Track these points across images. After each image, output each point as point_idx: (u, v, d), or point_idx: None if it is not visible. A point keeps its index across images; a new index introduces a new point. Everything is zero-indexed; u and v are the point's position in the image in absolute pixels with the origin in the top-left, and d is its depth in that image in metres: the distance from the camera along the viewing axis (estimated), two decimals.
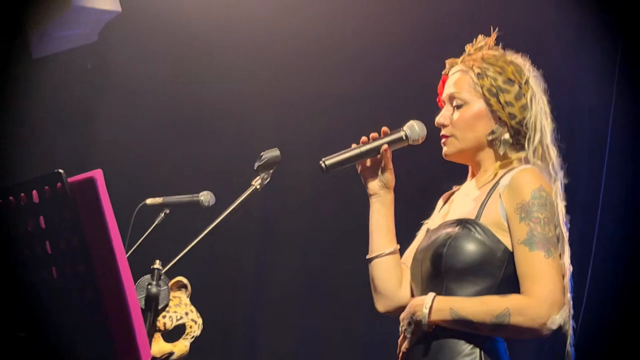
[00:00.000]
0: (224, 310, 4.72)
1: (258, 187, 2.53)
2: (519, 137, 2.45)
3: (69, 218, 1.75)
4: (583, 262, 4.37)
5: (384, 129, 2.51)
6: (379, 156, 2.50)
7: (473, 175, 2.53)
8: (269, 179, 2.55)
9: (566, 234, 2.34)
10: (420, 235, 2.60)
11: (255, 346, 4.78)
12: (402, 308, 2.46)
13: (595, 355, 3.86)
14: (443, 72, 2.57)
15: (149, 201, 3.25)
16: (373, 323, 4.39)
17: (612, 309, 4.37)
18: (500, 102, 2.43)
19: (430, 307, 2.30)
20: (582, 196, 4.40)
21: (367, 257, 2.55)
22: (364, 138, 2.51)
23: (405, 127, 2.51)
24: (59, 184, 1.74)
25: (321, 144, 4.40)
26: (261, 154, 2.59)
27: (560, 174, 2.42)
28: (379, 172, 2.52)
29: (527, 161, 2.44)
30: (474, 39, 2.54)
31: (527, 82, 2.45)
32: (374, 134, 2.50)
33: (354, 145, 2.50)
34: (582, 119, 4.46)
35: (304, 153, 4.42)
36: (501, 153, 2.45)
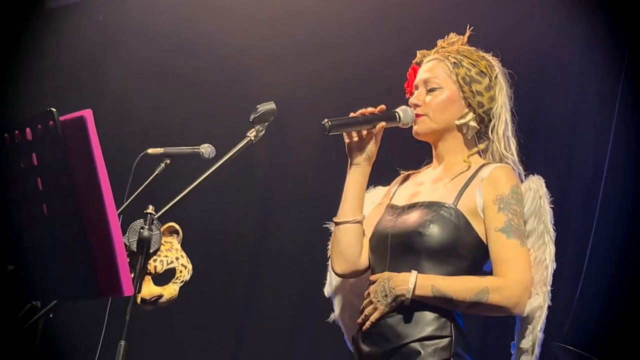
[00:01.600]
0: (222, 260, 4.78)
1: (253, 138, 2.65)
2: (482, 125, 2.68)
3: (60, 156, 1.80)
4: (579, 257, 4.44)
5: (382, 106, 2.67)
6: (373, 130, 2.65)
7: (438, 161, 2.73)
8: (264, 131, 2.66)
9: (553, 234, 2.56)
10: (377, 210, 2.76)
11: (252, 298, 4.84)
12: (357, 272, 2.70)
13: (588, 348, 3.92)
14: (414, 62, 2.79)
15: (150, 151, 3.28)
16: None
17: (605, 305, 4.43)
18: (472, 91, 2.66)
19: (414, 284, 2.47)
20: (581, 195, 4.46)
21: (336, 220, 2.71)
22: (362, 110, 2.66)
23: (399, 110, 2.68)
24: (51, 122, 1.79)
25: (323, 99, 4.45)
26: (257, 106, 2.65)
27: (521, 169, 2.66)
28: (366, 146, 2.67)
29: (492, 154, 2.67)
30: (446, 35, 2.79)
31: (496, 77, 2.69)
32: (371, 109, 2.66)
33: (352, 114, 2.65)
34: (585, 123, 4.50)
35: (307, 108, 4.47)
36: (469, 137, 2.67)
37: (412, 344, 2.47)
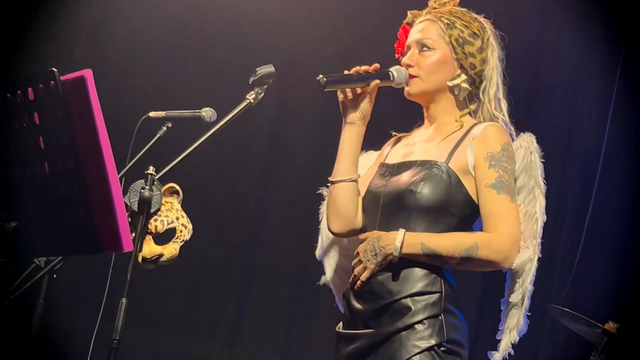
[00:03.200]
0: (223, 221, 4.83)
1: (252, 101, 2.68)
2: (473, 86, 2.70)
3: (61, 115, 1.84)
4: (579, 219, 4.48)
5: (376, 65, 2.69)
6: (367, 88, 2.68)
7: (430, 121, 2.75)
8: (262, 94, 2.69)
9: (544, 188, 2.59)
10: (371, 170, 2.79)
11: (252, 256, 4.89)
12: (354, 231, 2.72)
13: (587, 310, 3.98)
14: (405, 22, 2.81)
15: (152, 114, 3.29)
16: None
17: (605, 268, 4.48)
18: (464, 52, 2.68)
19: (402, 242, 2.49)
20: (581, 167, 4.49)
21: (331, 179, 2.74)
22: (357, 68, 2.68)
23: (393, 69, 2.70)
24: (52, 81, 1.83)
25: (324, 62, 4.46)
26: (256, 69, 2.68)
27: (512, 128, 2.68)
28: (360, 104, 2.70)
29: (482, 115, 2.69)
30: None
31: (488, 39, 2.71)
32: (366, 67, 2.68)
33: (347, 72, 2.67)
34: (581, 118, 4.54)
35: (308, 71, 4.48)
36: (461, 98, 2.70)
37: (403, 300, 2.51)
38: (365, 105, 2.70)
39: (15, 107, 1.91)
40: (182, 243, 2.67)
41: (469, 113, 2.72)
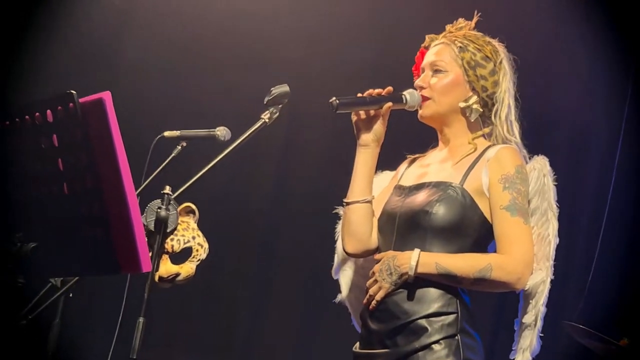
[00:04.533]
0: (237, 239, 4.84)
1: (267, 120, 2.70)
2: (486, 109, 2.74)
3: (79, 137, 1.86)
4: (592, 237, 4.47)
5: (389, 88, 2.73)
6: (380, 110, 2.71)
7: (444, 143, 2.79)
8: (277, 114, 2.70)
9: (557, 210, 2.62)
10: (386, 190, 2.82)
11: (266, 274, 4.89)
12: (369, 252, 2.76)
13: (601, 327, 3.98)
14: (422, 45, 2.85)
15: (166, 134, 3.31)
16: None
17: (618, 285, 4.47)
18: (476, 75, 2.72)
19: (417, 261, 2.52)
20: (593, 188, 4.49)
21: (346, 200, 2.77)
22: (370, 91, 2.72)
23: (406, 92, 2.74)
24: (71, 104, 1.84)
25: (337, 83, 4.47)
26: (271, 89, 2.70)
27: (524, 151, 2.71)
28: (374, 126, 2.73)
29: (496, 137, 2.72)
30: (454, 21, 2.84)
31: (501, 62, 2.75)
32: (379, 90, 2.72)
33: (359, 95, 2.71)
34: (591, 138, 4.55)
35: (322, 91, 4.50)
36: (472, 120, 2.73)
37: (419, 321, 2.53)
38: (379, 128, 2.73)
39: (34, 129, 1.92)
40: (198, 262, 2.68)
41: (483, 135, 2.75)
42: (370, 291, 2.61)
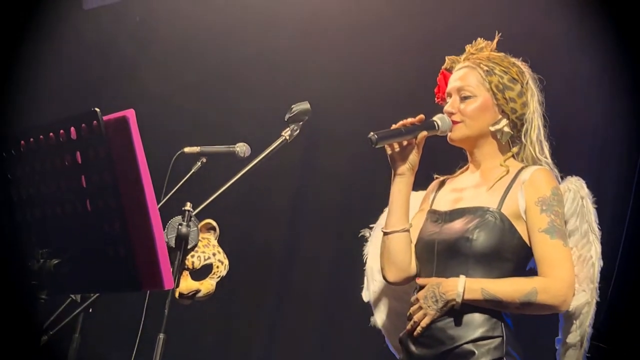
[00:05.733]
0: (257, 257, 4.84)
1: (288, 137, 2.72)
2: (515, 130, 2.74)
3: (103, 154, 1.86)
4: (611, 258, 4.42)
5: (421, 116, 2.73)
6: (414, 140, 2.72)
7: (475, 166, 2.79)
8: (298, 131, 2.71)
9: (599, 233, 2.61)
10: (420, 216, 2.82)
11: (284, 293, 4.88)
12: (409, 279, 2.75)
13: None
14: (443, 67, 2.86)
15: (187, 150, 3.34)
16: None
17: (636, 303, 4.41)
18: (505, 98, 2.72)
19: (464, 288, 2.54)
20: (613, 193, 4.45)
21: (384, 230, 2.77)
22: (404, 121, 2.72)
23: (437, 118, 2.75)
24: (94, 121, 1.85)
25: (356, 100, 4.48)
26: (292, 106, 2.72)
27: (556, 171, 2.71)
28: (408, 155, 2.73)
29: (525, 157, 2.72)
30: (474, 41, 2.84)
31: (527, 82, 2.75)
32: (411, 119, 2.72)
33: (394, 126, 2.71)
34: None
35: (341, 109, 4.51)
36: (503, 142, 2.74)
37: (466, 345, 2.54)
38: (413, 157, 2.73)
39: (58, 146, 1.93)
40: (218, 279, 2.69)
41: (513, 156, 2.75)
42: (415, 317, 2.61)
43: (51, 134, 1.95)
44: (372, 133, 2.63)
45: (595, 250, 2.58)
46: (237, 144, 3.31)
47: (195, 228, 2.52)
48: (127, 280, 1.88)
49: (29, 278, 1.94)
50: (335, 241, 4.64)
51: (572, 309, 2.55)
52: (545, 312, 2.59)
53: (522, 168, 2.69)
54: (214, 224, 2.73)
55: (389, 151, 2.74)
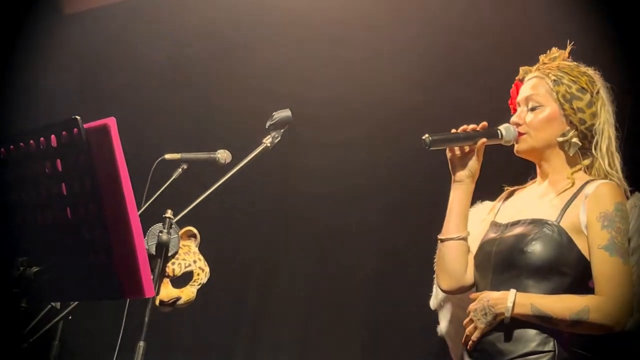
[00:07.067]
0: (238, 263, 4.83)
1: (269, 144, 2.71)
2: (585, 141, 2.66)
3: (83, 162, 1.86)
4: None
5: (484, 123, 2.70)
6: (474, 147, 2.69)
7: (543, 178, 2.73)
8: (279, 138, 2.71)
9: None
10: (483, 226, 2.78)
11: (266, 300, 4.87)
12: (463, 289, 2.72)
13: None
14: (517, 78, 2.80)
15: (167, 156, 3.32)
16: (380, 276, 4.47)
17: None
18: (572, 108, 2.65)
19: (513, 302, 2.49)
20: None
21: (441, 237, 2.74)
22: (464, 127, 2.69)
23: (501, 127, 2.70)
24: (75, 129, 1.85)
25: (338, 108, 4.48)
26: (273, 113, 2.72)
27: (626, 185, 2.63)
28: (468, 162, 2.70)
29: (596, 170, 2.64)
30: (548, 50, 2.77)
31: (598, 92, 2.67)
32: (474, 126, 2.69)
33: (453, 131, 2.68)
34: None
35: (323, 115, 4.51)
36: (571, 154, 2.66)
37: None
38: (474, 164, 2.70)
39: (39, 154, 1.93)
40: (199, 286, 2.69)
41: (584, 169, 2.67)
42: (467, 331, 2.59)
43: (31, 141, 1.94)
44: (426, 135, 2.59)
45: None
46: (218, 151, 3.30)
47: (176, 235, 2.52)
48: (108, 288, 1.87)
49: (10, 286, 1.94)
50: (317, 249, 4.65)
51: (629, 329, 2.46)
52: (598, 332, 2.50)
53: (588, 181, 2.61)
54: (195, 231, 2.73)
55: (448, 155, 2.71)
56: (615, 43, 3.76)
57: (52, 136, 1.90)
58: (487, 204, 2.88)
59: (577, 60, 2.75)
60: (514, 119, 2.71)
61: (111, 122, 1.83)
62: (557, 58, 2.75)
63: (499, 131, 2.68)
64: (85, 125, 1.85)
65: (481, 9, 4.18)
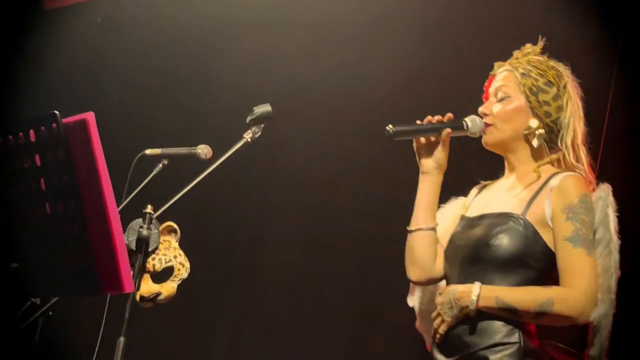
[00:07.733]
0: (219, 259, 4.83)
1: (249, 139, 2.71)
2: (552, 135, 2.68)
3: (62, 157, 1.86)
4: None
5: (449, 115, 2.71)
6: (439, 137, 2.70)
7: (510, 171, 2.75)
8: (259, 133, 2.71)
9: (617, 242, 2.54)
10: (453, 219, 2.81)
11: (247, 296, 4.88)
12: (432, 280, 2.75)
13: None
14: (490, 73, 2.82)
15: (148, 151, 3.30)
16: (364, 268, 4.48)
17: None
18: (538, 101, 2.67)
19: (478, 295, 2.51)
20: None
21: (410, 228, 2.76)
22: (429, 118, 2.71)
23: (467, 119, 2.72)
24: (54, 124, 1.85)
25: (319, 102, 4.49)
26: (253, 108, 2.72)
27: (591, 177, 2.65)
28: (434, 153, 2.72)
29: (564, 163, 2.66)
30: (521, 46, 2.80)
31: (565, 86, 2.69)
32: (438, 117, 2.71)
33: (418, 122, 2.70)
34: None
35: (305, 109, 4.52)
36: (536, 146, 2.67)
37: (481, 352, 2.52)
38: (440, 154, 2.72)
39: (17, 149, 1.93)
40: (179, 281, 2.68)
41: (552, 162, 2.69)
42: (434, 324, 2.61)
43: (10, 136, 1.94)
44: (390, 125, 2.60)
45: (614, 259, 2.52)
46: (199, 146, 3.29)
47: (156, 230, 2.51)
48: (87, 283, 1.87)
49: None
50: (300, 244, 4.65)
51: (593, 320, 2.48)
52: (562, 323, 2.54)
53: (554, 174, 2.63)
54: (175, 226, 2.73)
55: (414, 145, 2.73)
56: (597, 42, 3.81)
57: (31, 131, 1.90)
58: (463, 199, 2.90)
59: (562, 59, 2.77)
60: (481, 109, 2.73)
61: (89, 116, 1.83)
62: (529, 53, 2.78)
63: (464, 122, 2.70)
64: (64, 120, 1.84)
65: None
